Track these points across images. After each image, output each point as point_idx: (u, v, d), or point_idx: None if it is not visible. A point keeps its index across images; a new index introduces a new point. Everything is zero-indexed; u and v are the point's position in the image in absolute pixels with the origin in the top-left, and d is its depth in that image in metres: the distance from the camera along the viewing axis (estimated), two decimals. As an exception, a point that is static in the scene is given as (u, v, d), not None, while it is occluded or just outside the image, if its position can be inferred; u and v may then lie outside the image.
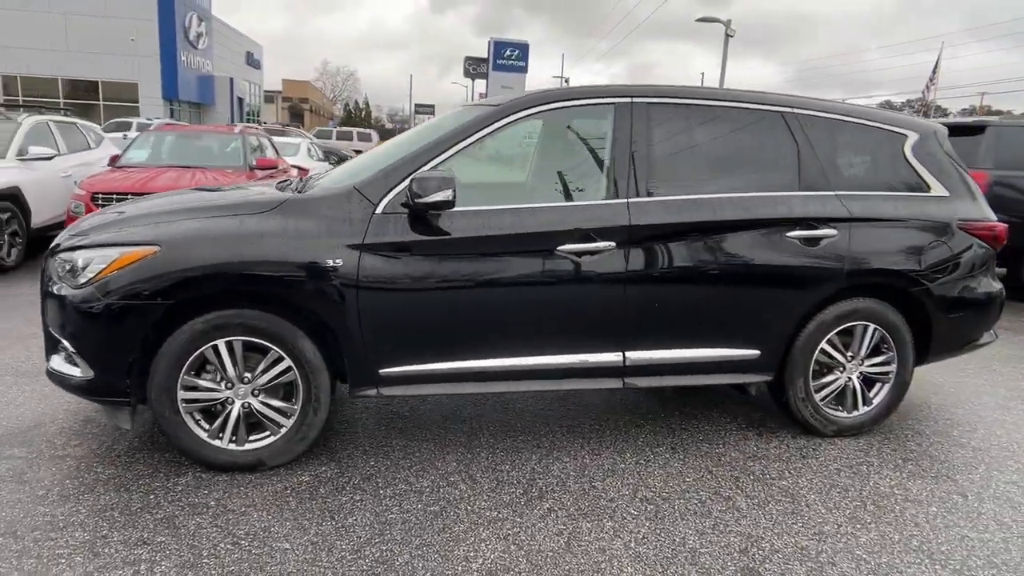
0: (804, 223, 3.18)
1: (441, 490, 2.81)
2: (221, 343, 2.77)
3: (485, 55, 42.12)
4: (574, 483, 2.90)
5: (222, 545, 2.38)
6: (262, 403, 2.87)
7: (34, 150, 7.28)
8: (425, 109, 55.76)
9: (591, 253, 2.96)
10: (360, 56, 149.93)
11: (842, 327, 3.31)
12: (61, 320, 2.78)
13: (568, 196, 3.27)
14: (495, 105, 3.12)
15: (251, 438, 2.90)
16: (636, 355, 3.11)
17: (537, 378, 3.09)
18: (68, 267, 2.78)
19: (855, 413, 3.46)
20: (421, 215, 2.86)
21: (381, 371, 2.93)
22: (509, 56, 40.42)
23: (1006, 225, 3.59)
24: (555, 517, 2.63)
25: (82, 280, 2.73)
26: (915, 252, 3.30)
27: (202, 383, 2.81)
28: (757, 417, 3.66)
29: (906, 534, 2.61)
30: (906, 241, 3.31)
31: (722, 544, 2.50)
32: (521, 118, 3.07)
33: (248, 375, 2.83)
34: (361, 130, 30.02)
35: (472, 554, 2.38)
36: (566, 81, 49.11)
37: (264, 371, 2.84)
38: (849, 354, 3.38)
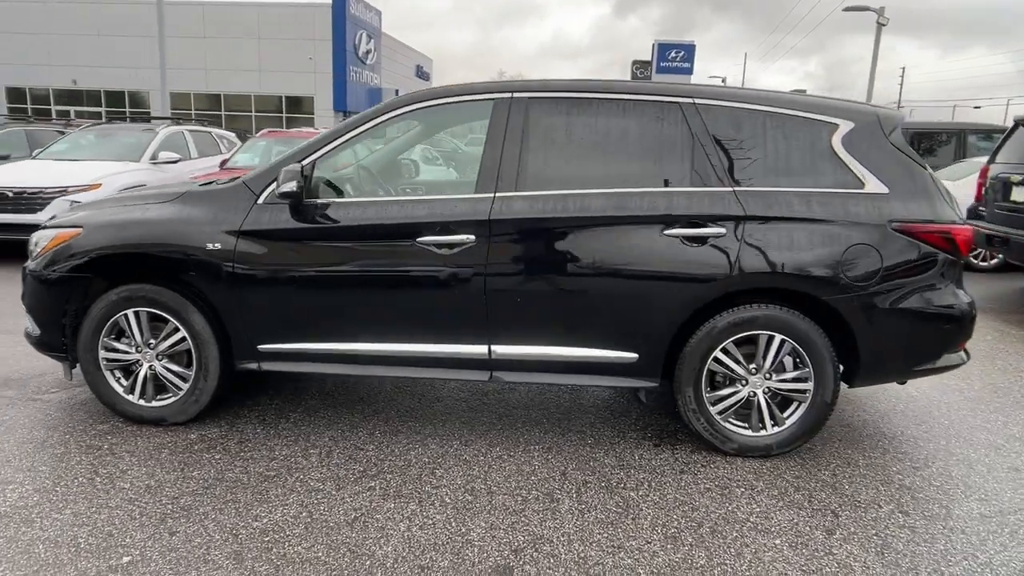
0: (686, 220, 2.96)
1: (292, 459, 3.03)
2: (131, 312, 3.23)
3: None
4: (417, 469, 2.97)
5: (82, 478, 2.80)
6: (164, 367, 3.29)
7: (163, 155, 8.61)
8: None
9: (450, 246, 3.02)
10: (540, 66, 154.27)
11: (740, 336, 3.02)
12: (23, 288, 3.41)
13: (440, 190, 3.33)
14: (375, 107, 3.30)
15: (158, 397, 3.32)
16: (502, 349, 3.10)
17: (408, 365, 3.19)
18: (30, 245, 3.40)
19: (761, 433, 3.13)
20: (296, 206, 3.11)
21: (259, 347, 3.22)
22: (674, 58, 39.30)
23: (970, 229, 3.04)
24: (368, 495, 2.74)
25: (34, 255, 3.33)
26: (830, 255, 2.92)
27: (119, 346, 3.28)
28: (671, 428, 3.44)
29: (715, 562, 2.37)
30: (818, 243, 2.94)
31: (502, 540, 2.45)
32: (392, 118, 3.20)
33: (152, 342, 3.26)
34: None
35: (264, 514, 2.57)
36: (722, 81, 46.81)
37: (164, 339, 3.25)
38: (752, 366, 3.08)
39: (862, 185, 2.99)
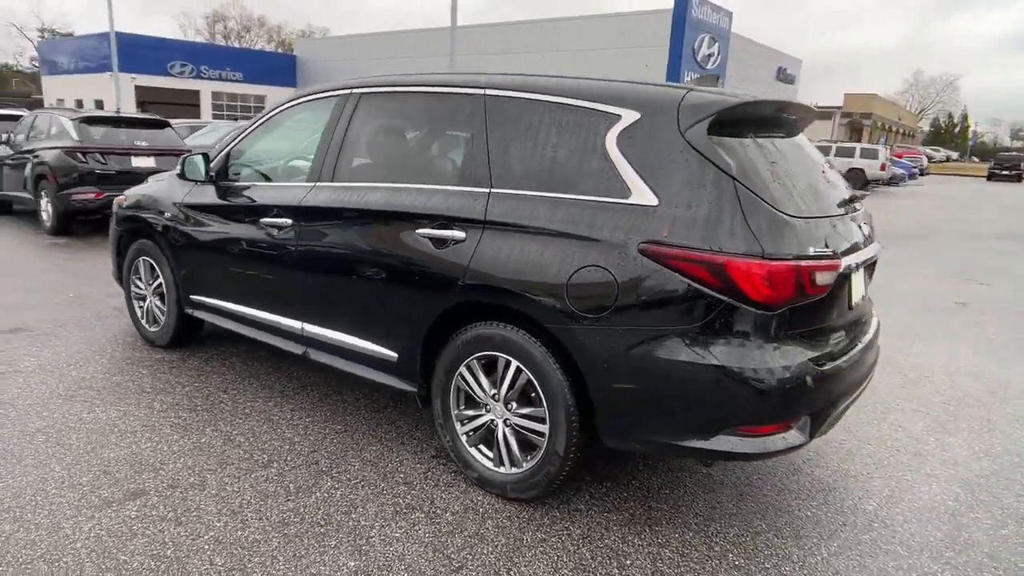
0: (439, 221, 2.75)
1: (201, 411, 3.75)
2: (140, 260, 4.35)
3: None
4: (266, 452, 3.40)
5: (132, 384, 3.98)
6: (155, 304, 4.34)
7: None
8: None
9: (278, 228, 3.36)
10: (986, 63, 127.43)
11: (481, 355, 2.69)
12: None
13: (290, 177, 3.60)
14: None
15: (151, 329, 4.40)
16: (309, 328, 3.31)
17: (260, 329, 3.61)
18: (120, 205, 4.81)
19: (500, 468, 2.73)
20: (215, 186, 3.80)
21: (190, 296, 4.02)
22: None
23: (770, 266, 2.13)
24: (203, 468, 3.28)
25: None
26: (556, 276, 2.41)
27: (138, 282, 4.44)
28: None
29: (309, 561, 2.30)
30: (548, 259, 2.44)
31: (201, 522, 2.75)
32: (277, 114, 3.65)
33: (151, 281, 4.33)
34: (867, 146, 26.88)
35: (104, 458, 3.30)
36: None
37: (154, 282, 4.29)
38: (493, 392, 2.70)
39: (627, 194, 2.38)
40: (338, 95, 3.34)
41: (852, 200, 2.84)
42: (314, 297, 3.26)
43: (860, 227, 2.69)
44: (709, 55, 28.13)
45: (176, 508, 2.55)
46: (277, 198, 3.41)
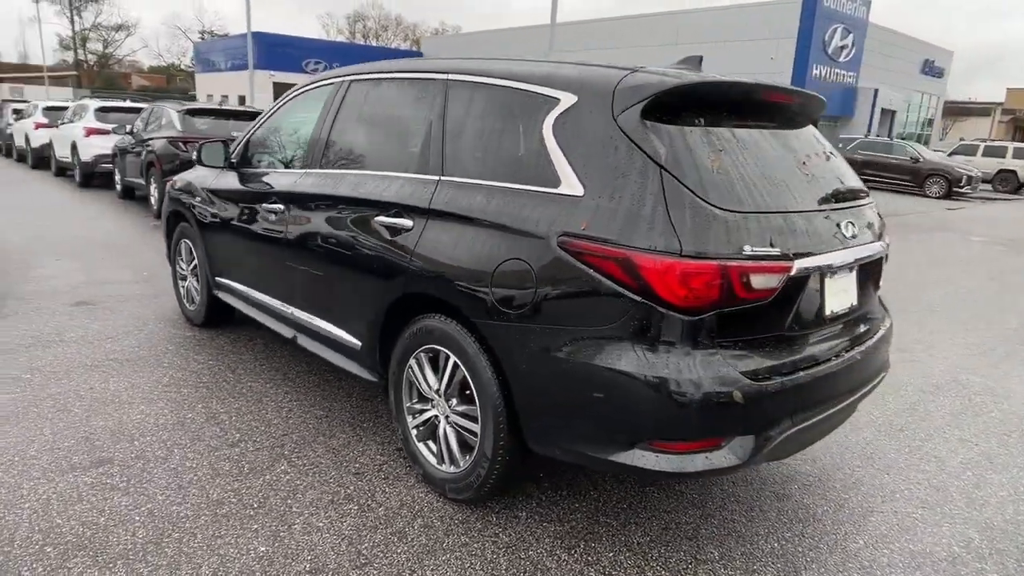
0: (394, 209, 2.70)
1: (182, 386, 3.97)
2: (183, 241, 4.62)
3: None
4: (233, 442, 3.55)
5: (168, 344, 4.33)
6: (191, 284, 4.61)
7: None
8: None
9: (275, 213, 3.44)
10: None
11: (427, 347, 2.61)
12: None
13: (288, 165, 3.63)
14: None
15: (189, 307, 4.68)
16: (297, 312, 3.37)
17: (266, 314, 3.72)
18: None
19: (442, 467, 2.64)
20: (234, 172, 3.97)
21: (216, 277, 4.23)
22: None
23: (683, 264, 1.89)
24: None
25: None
26: (483, 268, 2.29)
27: (182, 261, 4.73)
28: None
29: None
30: (479, 251, 2.32)
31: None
32: (286, 102, 3.73)
33: (189, 261, 4.59)
34: (1021, 145, 23.78)
35: (92, 426, 3.58)
36: None
37: (190, 260, 4.56)
38: (436, 386, 2.61)
39: (557, 183, 2.21)
40: (332, 83, 3.38)
41: (848, 196, 2.49)
42: (299, 282, 3.32)
43: (848, 224, 2.35)
44: (841, 47, 26.10)
45: (130, 479, 2.68)
46: (277, 184, 3.50)
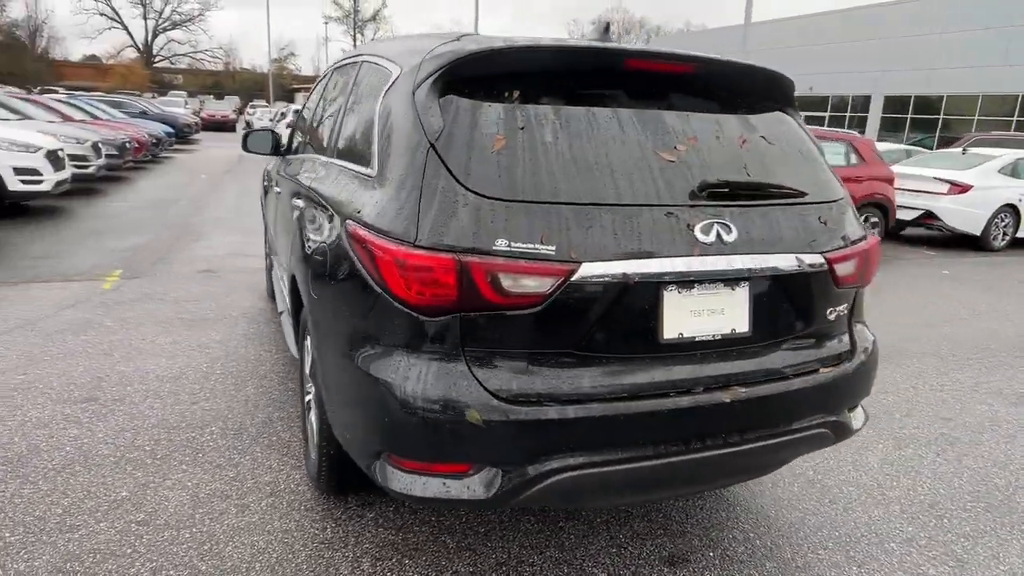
0: (300, 191, 2.73)
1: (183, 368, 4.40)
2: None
3: None
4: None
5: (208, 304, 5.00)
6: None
7: None
8: None
9: (290, 194, 3.63)
10: None
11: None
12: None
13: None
14: None
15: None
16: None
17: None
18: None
19: (312, 454, 2.57)
20: (279, 157, 4.30)
21: (272, 256, 4.62)
22: None
23: (408, 254, 1.61)
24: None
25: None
26: (303, 250, 2.24)
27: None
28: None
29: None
30: (310, 232, 2.28)
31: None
32: (323, 80, 3.86)
33: (272, 242, 5.11)
34: None
35: (115, 371, 4.15)
36: None
37: (271, 241, 5.05)
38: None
39: (369, 161, 2.04)
40: (347, 62, 3.45)
41: (753, 192, 1.93)
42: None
43: (722, 226, 1.82)
44: None
45: (90, 421, 3.03)
46: (294, 170, 3.71)
